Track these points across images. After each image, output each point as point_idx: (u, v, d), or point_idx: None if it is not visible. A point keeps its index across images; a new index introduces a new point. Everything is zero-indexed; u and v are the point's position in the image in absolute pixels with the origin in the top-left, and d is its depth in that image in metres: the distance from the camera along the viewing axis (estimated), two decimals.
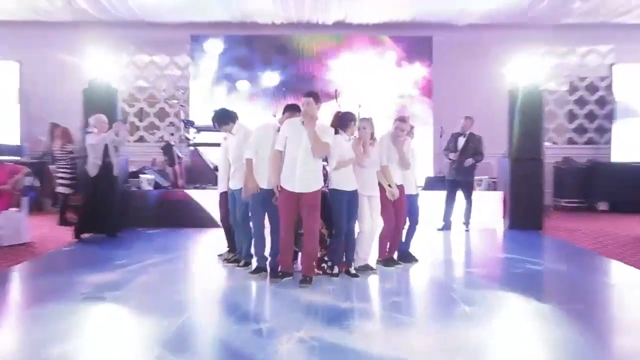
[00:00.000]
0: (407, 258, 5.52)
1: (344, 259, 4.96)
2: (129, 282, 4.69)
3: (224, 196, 5.38)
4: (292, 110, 4.90)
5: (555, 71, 10.94)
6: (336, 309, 3.93)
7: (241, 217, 5.04)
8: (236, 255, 5.37)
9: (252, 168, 4.72)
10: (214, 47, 10.47)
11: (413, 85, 10.36)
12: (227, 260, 5.43)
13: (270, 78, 10.40)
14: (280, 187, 4.59)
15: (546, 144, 9.20)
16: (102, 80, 7.72)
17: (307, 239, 4.63)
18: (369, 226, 4.95)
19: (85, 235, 6.79)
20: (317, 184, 4.60)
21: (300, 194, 4.54)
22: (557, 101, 11.04)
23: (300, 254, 4.87)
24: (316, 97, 4.60)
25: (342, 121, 4.81)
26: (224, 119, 5.17)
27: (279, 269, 4.73)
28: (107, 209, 6.80)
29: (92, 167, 6.68)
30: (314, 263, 4.74)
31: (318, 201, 4.61)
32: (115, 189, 7.02)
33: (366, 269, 4.99)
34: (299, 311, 3.86)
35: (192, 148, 8.82)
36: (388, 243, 5.27)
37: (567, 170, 10.25)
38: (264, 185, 4.73)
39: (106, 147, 6.69)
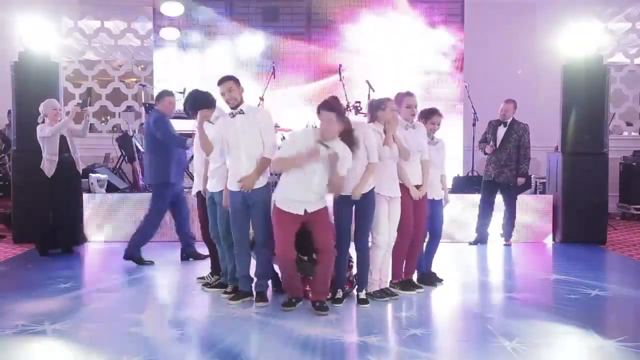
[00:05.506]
0: (429, 279, 5.57)
1: (355, 284, 5.04)
2: (75, 311, 4.73)
3: (200, 198, 5.45)
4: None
5: (624, 40, 10.97)
6: (339, 344, 3.99)
7: (224, 229, 5.09)
8: (221, 278, 5.41)
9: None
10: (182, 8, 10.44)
11: (440, 59, 10.36)
12: (209, 285, 5.46)
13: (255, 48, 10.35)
14: (277, 208, 4.70)
15: (611, 134, 9.25)
16: (38, 52, 7.74)
17: (323, 255, 4.73)
18: (387, 238, 5.00)
19: (53, 251, 6.82)
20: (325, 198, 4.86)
21: (308, 213, 4.69)
22: (626, 79, 11.06)
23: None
24: (338, 108, 4.66)
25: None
26: (199, 103, 5.19)
27: (289, 296, 4.82)
28: (71, 216, 6.93)
29: (48, 165, 6.73)
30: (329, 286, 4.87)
31: (328, 215, 4.82)
32: (80, 191, 7.19)
33: (384, 294, 5.05)
34: (292, 347, 3.92)
35: None
36: (404, 260, 5.32)
37: (638, 169, 10.26)
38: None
39: (63, 140, 6.77)
